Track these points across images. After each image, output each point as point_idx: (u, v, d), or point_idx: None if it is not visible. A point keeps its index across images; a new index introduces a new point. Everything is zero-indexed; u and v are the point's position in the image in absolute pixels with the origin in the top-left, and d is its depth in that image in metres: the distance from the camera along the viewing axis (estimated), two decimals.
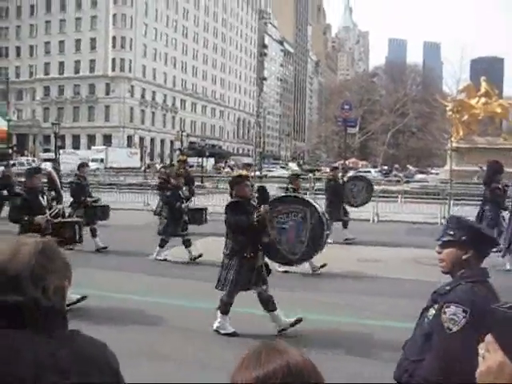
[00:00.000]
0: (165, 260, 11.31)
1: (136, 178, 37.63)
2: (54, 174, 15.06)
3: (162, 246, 11.37)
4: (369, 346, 6.28)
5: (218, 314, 6.62)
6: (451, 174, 26.20)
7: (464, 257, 2.71)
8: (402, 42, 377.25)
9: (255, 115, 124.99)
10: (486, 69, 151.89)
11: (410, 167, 63.04)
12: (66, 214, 10.69)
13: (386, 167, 65.45)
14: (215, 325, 6.61)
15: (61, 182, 14.65)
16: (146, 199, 22.52)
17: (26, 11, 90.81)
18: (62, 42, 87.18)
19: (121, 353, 1.74)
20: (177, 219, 11.42)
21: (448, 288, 2.69)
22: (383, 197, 21.56)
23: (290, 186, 10.92)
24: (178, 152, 70.06)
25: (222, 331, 6.55)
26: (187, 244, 11.46)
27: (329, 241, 13.50)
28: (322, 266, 10.35)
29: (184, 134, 70.28)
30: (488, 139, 32.56)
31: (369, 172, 53.19)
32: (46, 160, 61.35)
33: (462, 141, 32.09)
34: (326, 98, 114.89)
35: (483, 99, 34.15)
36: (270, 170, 60.10)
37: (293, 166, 72.98)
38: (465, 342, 2.39)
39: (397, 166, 62.87)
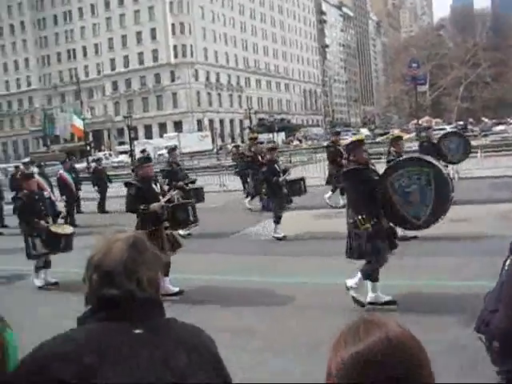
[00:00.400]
0: (283, 237, 11.13)
1: (209, 161, 38.08)
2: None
3: (277, 222, 11.19)
4: (466, 308, 6.16)
5: (369, 284, 6.51)
6: None
7: None
8: None
9: (321, 85, 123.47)
10: None
11: (486, 120, 60.29)
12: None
13: (461, 122, 63.07)
14: (368, 297, 6.50)
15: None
16: (222, 180, 22.86)
17: (88, 11, 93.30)
18: (124, 37, 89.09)
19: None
20: (277, 193, 11.22)
21: None
22: None
23: (392, 149, 10.57)
24: (247, 130, 70.52)
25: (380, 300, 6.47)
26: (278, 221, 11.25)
27: None
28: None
29: (252, 111, 70.62)
30: None
31: (443, 129, 51.46)
32: (121, 153, 63.44)
33: None
34: (391, 58, 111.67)
35: None
36: (342, 139, 59.31)
37: (364, 131, 71.72)
38: None
39: (471, 120, 60.37)
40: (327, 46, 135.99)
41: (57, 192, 16.59)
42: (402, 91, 79.96)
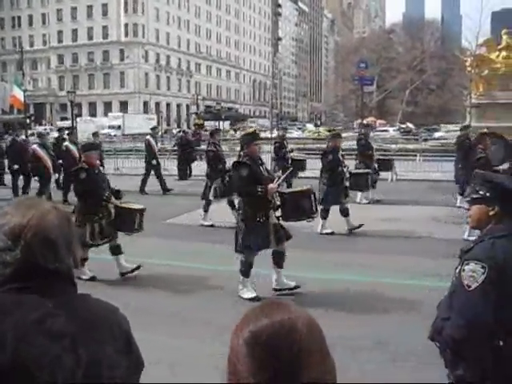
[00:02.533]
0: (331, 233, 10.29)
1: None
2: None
3: (324, 217, 10.12)
4: (387, 303, 6.28)
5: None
6: (471, 130, 25.74)
7: (490, 213, 2.71)
8: None
9: (271, 77, 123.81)
10: (508, 21, 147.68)
11: (410, 125, 61.61)
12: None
13: (404, 126, 64.59)
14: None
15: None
16: (165, 165, 22.55)
17: None
18: (74, 9, 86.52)
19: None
20: (339, 185, 10.20)
21: (471, 245, 2.70)
22: (401, 155, 21.40)
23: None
24: (194, 116, 69.94)
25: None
26: (346, 213, 10.31)
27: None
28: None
29: (200, 97, 70.12)
30: (509, 94, 31.76)
31: (386, 131, 52.61)
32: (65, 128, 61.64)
33: (482, 97, 31.36)
34: (342, 57, 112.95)
35: (504, 53, 33.13)
36: (287, 132, 59.67)
37: (310, 126, 72.42)
38: (484, 299, 2.50)
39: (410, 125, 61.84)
40: (280, 39, 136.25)
41: None
42: (350, 90, 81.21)
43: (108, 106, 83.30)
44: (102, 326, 1.52)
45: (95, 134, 17.63)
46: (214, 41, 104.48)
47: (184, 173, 18.84)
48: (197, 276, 7.55)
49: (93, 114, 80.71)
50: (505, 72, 33.13)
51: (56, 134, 19.27)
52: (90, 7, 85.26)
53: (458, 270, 2.70)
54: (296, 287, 6.71)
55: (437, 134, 44.71)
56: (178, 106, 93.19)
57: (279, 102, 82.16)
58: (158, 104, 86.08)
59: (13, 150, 16.16)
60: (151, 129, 18.75)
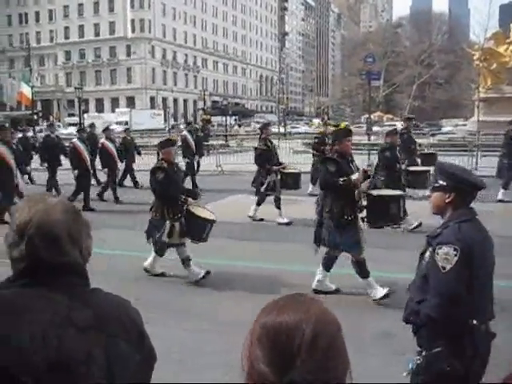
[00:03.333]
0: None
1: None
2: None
3: None
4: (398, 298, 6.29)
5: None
6: (479, 124, 25.66)
7: (447, 200, 2.94)
8: None
9: (277, 72, 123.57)
10: None
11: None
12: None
13: (412, 116, 64.33)
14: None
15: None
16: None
17: None
18: (80, 6, 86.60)
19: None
20: (396, 182, 9.80)
21: (439, 231, 2.92)
22: None
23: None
24: (201, 111, 69.89)
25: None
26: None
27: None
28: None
29: (206, 93, 70.02)
30: None
31: (394, 125, 52.40)
32: (71, 124, 61.81)
33: (490, 90, 31.22)
34: (348, 52, 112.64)
35: None
36: (294, 127, 59.70)
37: (317, 121, 72.28)
38: (458, 278, 2.74)
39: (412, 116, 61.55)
40: (287, 34, 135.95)
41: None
42: (357, 85, 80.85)
43: (115, 102, 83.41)
44: (114, 319, 1.53)
45: (92, 126, 17.72)
46: (220, 36, 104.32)
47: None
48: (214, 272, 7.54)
49: (100, 110, 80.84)
50: None
51: (64, 131, 19.16)
52: (96, 3, 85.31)
53: (426, 255, 2.94)
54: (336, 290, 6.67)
55: (445, 129, 44.55)
56: (185, 101, 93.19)
57: (286, 97, 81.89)
58: (164, 100, 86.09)
59: (46, 146, 15.14)
60: (187, 123, 18.28)
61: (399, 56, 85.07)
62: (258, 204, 11.14)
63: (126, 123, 62.35)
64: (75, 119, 60.57)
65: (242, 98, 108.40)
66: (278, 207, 10.91)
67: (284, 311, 1.18)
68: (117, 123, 60.39)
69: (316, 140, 14.76)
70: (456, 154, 20.27)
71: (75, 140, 13.32)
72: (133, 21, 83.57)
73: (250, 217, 11.20)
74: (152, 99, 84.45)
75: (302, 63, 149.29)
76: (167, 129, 60.15)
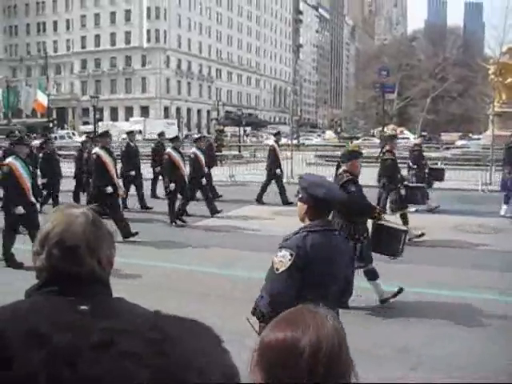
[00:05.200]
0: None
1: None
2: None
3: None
4: (415, 312, 6.27)
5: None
6: (493, 139, 25.51)
7: (303, 211, 3.14)
8: (442, 4, 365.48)
9: (291, 83, 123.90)
10: None
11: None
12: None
13: (425, 133, 64.15)
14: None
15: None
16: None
17: None
18: (97, 15, 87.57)
19: None
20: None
21: (290, 235, 3.11)
22: None
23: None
24: (214, 122, 70.17)
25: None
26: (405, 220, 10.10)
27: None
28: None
29: (220, 103, 70.29)
30: None
31: (407, 138, 52.25)
32: (85, 133, 62.27)
33: (505, 105, 31.11)
34: (363, 64, 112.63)
35: None
36: (307, 138, 59.75)
37: (330, 133, 72.28)
38: (289, 281, 2.89)
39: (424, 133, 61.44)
40: (301, 46, 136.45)
41: None
42: (371, 98, 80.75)
43: (129, 111, 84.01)
44: (136, 330, 1.48)
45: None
46: (235, 47, 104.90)
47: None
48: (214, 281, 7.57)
49: (114, 118, 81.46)
50: None
51: (79, 139, 18.99)
52: (113, 13, 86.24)
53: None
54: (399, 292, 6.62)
55: (459, 143, 44.38)
56: (199, 111, 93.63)
57: (299, 108, 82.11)
58: (178, 109, 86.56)
59: (128, 156, 14.75)
60: (275, 134, 17.05)
61: (413, 69, 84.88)
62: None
63: (140, 132, 62.81)
64: (90, 127, 61.07)
65: (255, 109, 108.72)
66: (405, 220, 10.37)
67: (281, 327, 1.19)
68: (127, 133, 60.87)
69: (415, 153, 14.41)
70: (469, 169, 20.22)
71: (169, 149, 12.60)
72: (148, 31, 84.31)
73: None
74: (166, 109, 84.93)
75: (316, 75, 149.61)
76: (181, 138, 60.47)
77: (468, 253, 9.29)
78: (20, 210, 8.42)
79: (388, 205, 10.44)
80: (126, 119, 76.50)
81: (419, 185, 11.96)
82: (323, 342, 1.19)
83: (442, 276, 7.73)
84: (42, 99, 39.92)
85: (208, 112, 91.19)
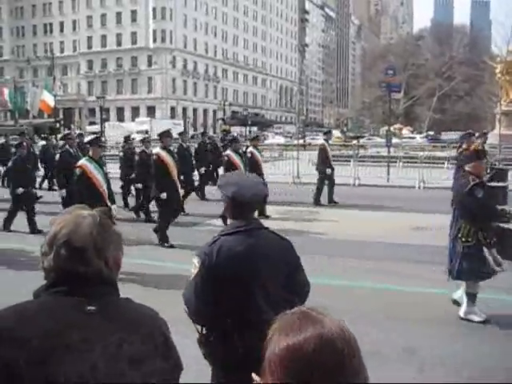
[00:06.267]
0: None
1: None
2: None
3: None
4: (419, 312, 6.26)
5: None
6: (500, 138, 25.44)
7: (225, 211, 3.04)
8: (449, 2, 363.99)
9: (297, 83, 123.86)
10: None
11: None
12: None
13: (431, 133, 64.08)
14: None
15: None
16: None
17: None
18: (103, 16, 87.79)
19: None
20: None
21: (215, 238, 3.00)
22: (429, 163, 21.23)
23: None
24: (220, 122, 70.26)
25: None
26: None
27: None
28: None
29: (226, 103, 70.38)
30: None
31: (414, 138, 52.17)
32: (92, 133, 62.38)
33: None
34: (369, 63, 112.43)
35: None
36: (313, 138, 59.69)
37: (336, 133, 72.14)
38: (197, 289, 2.81)
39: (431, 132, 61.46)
40: (307, 45, 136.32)
41: None
42: (377, 97, 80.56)
43: (135, 111, 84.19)
44: (143, 329, 1.59)
45: (127, 138, 15.81)
46: (240, 47, 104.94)
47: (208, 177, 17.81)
48: None
49: (120, 118, 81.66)
50: None
51: (86, 139, 18.54)
52: (119, 14, 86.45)
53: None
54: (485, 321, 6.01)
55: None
56: (205, 111, 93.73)
57: (305, 108, 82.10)
58: (184, 109, 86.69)
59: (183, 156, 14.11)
60: (325, 133, 16.85)
61: (420, 68, 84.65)
62: None
63: (147, 132, 62.88)
64: (96, 127, 61.24)
65: (261, 109, 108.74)
66: None
67: (303, 330, 1.14)
68: (137, 132, 61.02)
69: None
70: None
71: (228, 151, 12.35)
72: (154, 31, 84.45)
73: None
74: (172, 109, 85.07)
75: (322, 74, 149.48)
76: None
77: None
78: None
79: None
80: (132, 119, 76.64)
81: (500, 184, 11.22)
82: (349, 334, 1.17)
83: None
84: (49, 100, 40.01)
85: (214, 112, 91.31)
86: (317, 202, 14.66)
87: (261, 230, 2.97)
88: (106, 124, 56.85)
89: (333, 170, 14.94)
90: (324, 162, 14.84)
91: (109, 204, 8.00)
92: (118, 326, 1.54)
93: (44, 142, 18.14)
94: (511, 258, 6.11)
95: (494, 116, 36.39)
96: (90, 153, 8.16)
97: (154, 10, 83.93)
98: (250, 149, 13.01)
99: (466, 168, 6.16)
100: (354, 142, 31.28)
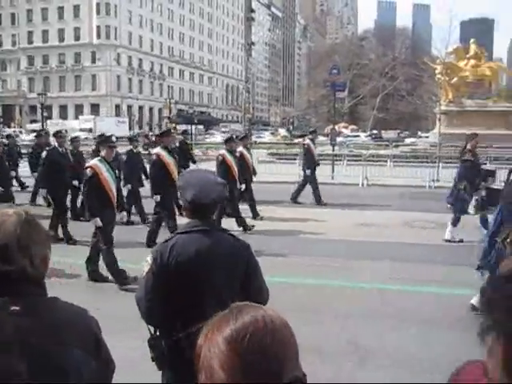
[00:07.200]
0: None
1: (125, 147, 37.15)
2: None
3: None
4: (365, 309, 6.32)
5: None
6: (440, 137, 26.15)
7: (184, 213, 3.04)
8: (392, 5, 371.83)
9: (244, 81, 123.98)
10: (476, 31, 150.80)
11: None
12: None
13: (375, 131, 65.41)
14: None
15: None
16: None
17: None
18: (44, 10, 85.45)
19: None
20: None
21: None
22: (372, 161, 21.64)
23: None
24: (166, 120, 69.56)
25: None
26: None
27: None
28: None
29: (172, 101, 69.75)
30: (477, 102, 32.39)
31: (358, 136, 53.13)
32: (33, 131, 60.71)
33: (451, 104, 31.93)
34: (314, 63, 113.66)
35: (472, 61, 33.86)
36: (259, 136, 59.93)
37: (283, 131, 72.70)
38: (148, 286, 2.78)
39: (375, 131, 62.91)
40: (253, 44, 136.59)
41: None
42: (322, 96, 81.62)
43: (79, 109, 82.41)
44: (69, 328, 1.56)
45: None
46: (187, 45, 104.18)
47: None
48: None
49: (63, 116, 79.70)
50: (473, 80, 33.81)
51: (27, 137, 17.71)
52: (61, 8, 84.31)
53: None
54: None
55: (408, 140, 45.37)
56: (151, 109, 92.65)
57: (252, 106, 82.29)
58: (130, 107, 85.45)
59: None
60: (310, 132, 16.46)
61: (364, 68, 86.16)
62: (454, 225, 10.11)
63: (90, 130, 61.68)
64: (37, 125, 59.57)
65: (208, 107, 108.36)
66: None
67: (243, 315, 1.13)
68: (80, 130, 59.72)
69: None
70: (418, 166, 20.64)
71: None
72: (98, 27, 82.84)
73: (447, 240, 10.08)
74: (117, 107, 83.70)
75: (269, 73, 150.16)
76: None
77: (421, 248, 9.45)
78: (98, 222, 7.23)
79: (473, 204, 10.04)
80: (76, 117, 75.03)
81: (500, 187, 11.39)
82: (284, 319, 1.17)
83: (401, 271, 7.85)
84: None
85: (160, 110, 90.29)
86: (295, 200, 14.52)
87: (218, 231, 2.95)
88: (49, 122, 55.39)
89: (316, 167, 14.79)
90: (310, 161, 14.66)
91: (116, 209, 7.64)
92: (43, 327, 1.50)
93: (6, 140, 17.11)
94: None
95: (434, 115, 37.38)
96: (103, 153, 7.62)
97: (98, 5, 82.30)
98: (240, 149, 12.39)
99: None
100: (299, 140, 31.52)
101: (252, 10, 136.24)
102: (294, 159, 22.31)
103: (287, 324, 1.16)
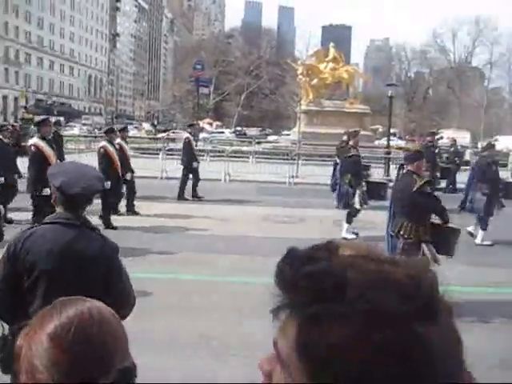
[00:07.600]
0: None
1: None
2: None
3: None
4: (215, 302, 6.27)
5: None
6: (300, 135, 27.08)
7: (53, 202, 2.82)
8: (258, 5, 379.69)
9: (107, 73, 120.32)
10: (336, 36, 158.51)
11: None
12: None
13: (239, 128, 66.42)
14: None
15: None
16: None
17: None
18: None
19: None
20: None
21: None
22: (235, 157, 21.89)
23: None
24: (23, 110, 65.70)
25: None
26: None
27: None
28: None
29: (30, 90, 65.90)
30: (335, 103, 34.04)
31: (222, 133, 53.60)
32: None
33: (311, 104, 33.21)
34: (180, 58, 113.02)
35: (331, 65, 35.48)
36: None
37: (147, 126, 71.43)
38: None
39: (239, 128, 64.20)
40: (118, 35, 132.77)
41: None
42: (187, 91, 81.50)
43: None
44: None
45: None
46: (47, 31, 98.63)
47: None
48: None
49: None
50: (331, 82, 35.49)
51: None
52: None
53: None
54: None
55: (270, 138, 46.58)
56: (5, 98, 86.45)
57: (115, 99, 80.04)
58: None
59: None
60: (189, 126, 17.15)
61: (230, 66, 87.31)
62: (349, 222, 10.40)
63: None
64: None
65: (69, 98, 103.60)
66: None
67: (67, 309, 1.08)
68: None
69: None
70: (279, 162, 21.21)
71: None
72: None
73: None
74: None
75: (134, 66, 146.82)
76: None
77: (275, 241, 9.61)
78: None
79: (357, 199, 10.34)
80: None
81: (381, 181, 12.08)
82: (111, 311, 1.14)
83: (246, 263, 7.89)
84: None
85: (15, 99, 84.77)
86: (181, 197, 14.27)
87: (85, 228, 2.74)
88: None
89: (198, 163, 14.79)
90: (189, 155, 14.60)
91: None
92: None
93: None
94: (446, 253, 6.54)
95: (295, 114, 38.69)
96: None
97: None
98: (118, 141, 12.07)
99: (409, 167, 6.57)
100: (163, 135, 31.11)
101: (117, 0, 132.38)
102: (158, 154, 21.98)
103: (116, 315, 1.13)
